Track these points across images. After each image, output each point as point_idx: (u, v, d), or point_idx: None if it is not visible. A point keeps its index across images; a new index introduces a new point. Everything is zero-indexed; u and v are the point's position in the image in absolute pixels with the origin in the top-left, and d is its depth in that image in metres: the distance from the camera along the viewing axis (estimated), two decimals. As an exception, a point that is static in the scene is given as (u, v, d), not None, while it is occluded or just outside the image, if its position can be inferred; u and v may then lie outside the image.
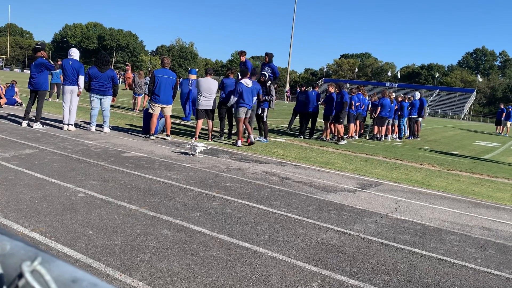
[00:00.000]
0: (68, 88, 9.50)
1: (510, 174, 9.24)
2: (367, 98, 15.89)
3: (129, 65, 23.51)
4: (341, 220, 4.63)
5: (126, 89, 28.01)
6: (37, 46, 9.58)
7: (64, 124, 9.55)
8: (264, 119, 10.91)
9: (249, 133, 9.79)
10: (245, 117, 9.68)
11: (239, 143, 9.56)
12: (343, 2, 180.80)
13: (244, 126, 9.81)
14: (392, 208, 5.38)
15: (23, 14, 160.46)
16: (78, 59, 9.75)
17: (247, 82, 9.61)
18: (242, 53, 11.38)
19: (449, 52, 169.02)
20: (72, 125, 9.60)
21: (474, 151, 14.29)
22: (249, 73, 9.86)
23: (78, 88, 9.53)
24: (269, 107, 10.95)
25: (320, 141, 12.22)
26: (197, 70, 18.07)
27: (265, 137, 10.96)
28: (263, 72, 11.00)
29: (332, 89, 12.32)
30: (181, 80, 18.84)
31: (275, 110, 17.67)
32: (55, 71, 17.47)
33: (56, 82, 17.61)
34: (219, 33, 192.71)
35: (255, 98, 9.92)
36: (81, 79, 9.47)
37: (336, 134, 12.20)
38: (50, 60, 10.05)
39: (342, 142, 11.92)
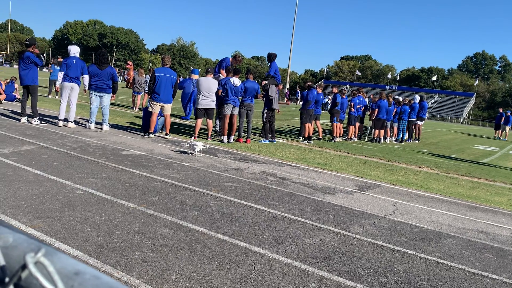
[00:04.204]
0: (68, 84, 9.44)
1: (508, 178, 9.26)
2: (367, 99, 15.90)
3: (130, 63, 22.42)
4: (339, 222, 4.63)
5: (127, 86, 27.68)
6: (26, 42, 9.53)
7: (59, 120, 9.47)
8: (264, 120, 10.93)
9: (233, 130, 10.22)
10: (232, 114, 10.04)
11: (224, 139, 9.98)
12: (344, 4, 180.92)
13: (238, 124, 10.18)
14: (390, 210, 5.39)
15: (24, 10, 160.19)
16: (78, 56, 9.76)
17: (234, 80, 9.92)
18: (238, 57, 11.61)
19: (449, 56, 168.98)
20: (71, 122, 9.58)
21: (472, 155, 14.31)
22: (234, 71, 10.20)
23: (81, 86, 9.58)
24: (270, 108, 10.89)
25: (318, 142, 12.22)
26: (199, 70, 17.99)
27: (265, 137, 10.99)
28: (267, 73, 11.24)
29: (320, 90, 12.58)
30: (182, 79, 18.71)
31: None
32: (55, 68, 17.49)
33: (55, 79, 17.49)
34: (219, 32, 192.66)
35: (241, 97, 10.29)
36: (86, 78, 9.48)
37: (303, 133, 12.16)
38: (42, 56, 10.03)
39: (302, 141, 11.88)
